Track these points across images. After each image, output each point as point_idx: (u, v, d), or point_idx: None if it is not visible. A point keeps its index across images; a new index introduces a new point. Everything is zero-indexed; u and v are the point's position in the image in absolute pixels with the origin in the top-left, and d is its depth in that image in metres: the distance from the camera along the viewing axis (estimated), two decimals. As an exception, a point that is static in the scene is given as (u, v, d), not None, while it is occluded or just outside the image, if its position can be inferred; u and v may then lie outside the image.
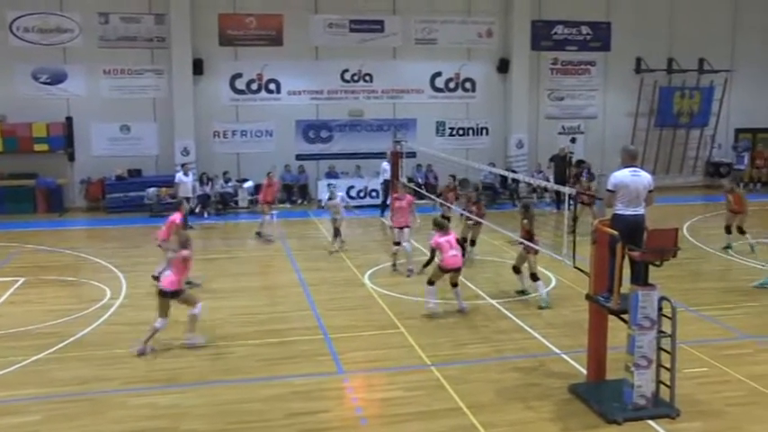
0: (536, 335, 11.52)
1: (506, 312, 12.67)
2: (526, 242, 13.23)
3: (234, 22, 24.78)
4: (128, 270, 15.85)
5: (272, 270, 16.15)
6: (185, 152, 24.09)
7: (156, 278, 12.68)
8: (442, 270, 12.62)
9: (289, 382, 9.74)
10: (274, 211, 19.94)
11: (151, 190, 23.35)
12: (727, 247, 17.22)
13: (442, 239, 12.64)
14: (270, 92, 25.41)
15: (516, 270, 13.74)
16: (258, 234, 19.21)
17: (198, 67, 24.37)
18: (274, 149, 25.28)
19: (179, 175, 21.60)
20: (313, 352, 10.89)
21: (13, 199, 23.26)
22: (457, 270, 12.65)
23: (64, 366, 10.32)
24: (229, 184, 23.68)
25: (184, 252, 11.08)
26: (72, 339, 11.43)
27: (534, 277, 13.25)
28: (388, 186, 22.02)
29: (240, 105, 25.25)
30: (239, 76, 25.11)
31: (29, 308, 13.15)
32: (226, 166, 24.03)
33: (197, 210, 22.71)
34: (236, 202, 23.92)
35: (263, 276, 15.50)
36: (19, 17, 23.53)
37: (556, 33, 27.21)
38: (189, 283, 13.40)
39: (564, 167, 24.09)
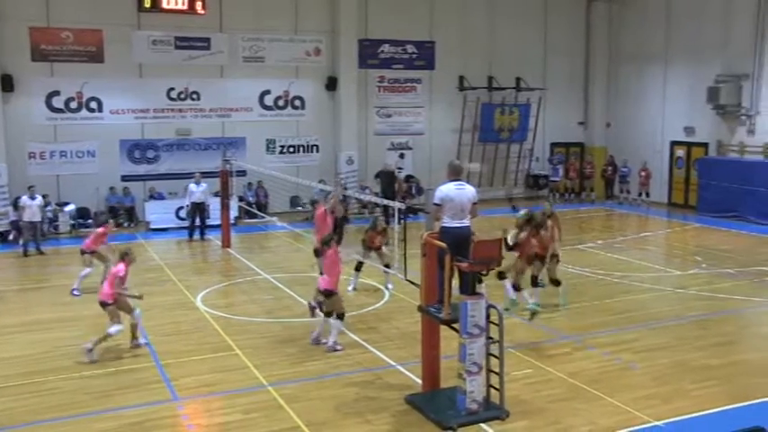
0: (371, 348, 11.69)
1: (342, 328, 12.73)
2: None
3: (48, 36, 23.40)
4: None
5: (94, 298, 15.32)
6: (-6, 174, 22.41)
7: None
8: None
9: (121, 413, 9.30)
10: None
11: (-46, 218, 21.53)
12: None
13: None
14: (91, 110, 24.20)
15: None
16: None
17: (7, 84, 22.80)
18: (98, 170, 24.08)
19: (24, 199, 19.97)
20: (145, 380, 10.47)
21: None
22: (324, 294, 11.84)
23: None
24: (48, 208, 22.26)
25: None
26: None
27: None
28: (197, 210, 21.54)
29: (58, 125, 23.85)
30: (56, 93, 23.73)
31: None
32: (44, 190, 22.38)
33: (11, 237, 21.25)
34: (57, 228, 22.54)
35: (87, 305, 14.62)
36: None
37: (382, 52, 27.91)
38: None
39: (391, 182, 24.67)
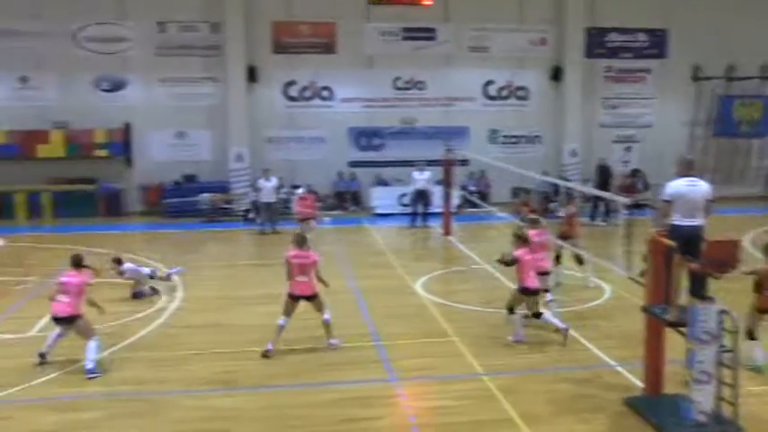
0: (590, 346, 11.38)
1: (560, 323, 12.52)
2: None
3: (288, 29, 25.14)
4: (183, 274, 16.12)
5: (325, 276, 16.22)
6: (239, 158, 24.52)
7: None
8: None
9: (342, 387, 9.81)
10: None
11: (205, 195, 23.77)
12: None
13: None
14: (323, 99, 25.73)
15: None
16: None
17: (252, 75, 24.78)
18: (327, 156, 25.59)
19: (261, 181, 21.76)
20: (366, 358, 10.94)
21: (76, 203, 24.01)
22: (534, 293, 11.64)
23: (123, 367, 10.58)
24: (283, 190, 23.92)
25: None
26: (130, 340, 11.73)
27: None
28: (420, 197, 21.98)
29: (294, 112, 25.60)
30: (293, 83, 25.49)
31: (89, 309, 13.43)
32: (279, 173, 24.18)
33: (250, 215, 23.07)
34: (289, 209, 24.13)
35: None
36: (83, 27, 24.28)
37: (610, 41, 26.95)
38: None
39: (606, 178, 23.68)
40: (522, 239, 11.77)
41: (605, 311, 13.35)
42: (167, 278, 14.92)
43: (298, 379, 10.15)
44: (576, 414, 8.97)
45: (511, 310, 11.64)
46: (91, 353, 10.27)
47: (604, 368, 10.50)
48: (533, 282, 11.51)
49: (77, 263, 10.66)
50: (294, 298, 11.04)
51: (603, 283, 14.94)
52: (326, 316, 11.27)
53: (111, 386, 9.89)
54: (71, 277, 10.46)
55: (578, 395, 9.55)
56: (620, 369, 10.39)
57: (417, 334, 12.12)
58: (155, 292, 14.39)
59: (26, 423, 8.83)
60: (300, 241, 11.26)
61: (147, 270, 14.45)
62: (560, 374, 10.23)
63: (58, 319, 10.44)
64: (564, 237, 14.62)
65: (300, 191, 20.92)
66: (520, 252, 11.53)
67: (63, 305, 10.33)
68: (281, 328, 10.96)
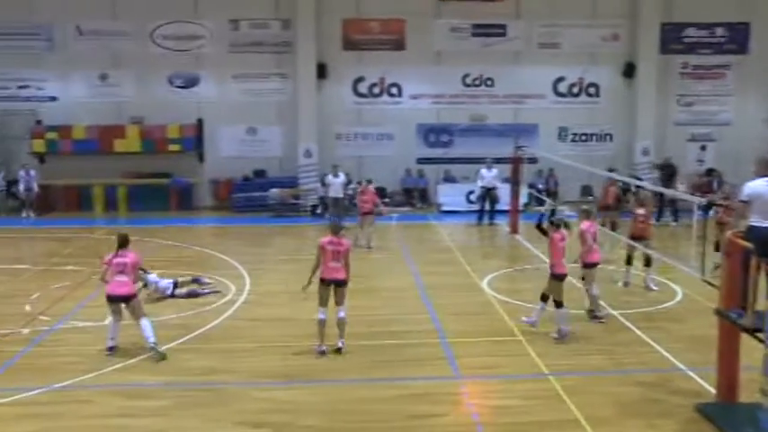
0: (659, 349, 11.09)
1: (628, 324, 12.27)
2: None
3: (357, 26, 25.26)
4: (251, 268, 16.38)
5: (390, 272, 16.31)
6: (308, 154, 24.76)
7: None
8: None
9: (406, 384, 9.80)
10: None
11: (274, 191, 24.08)
12: None
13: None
14: (391, 95, 25.77)
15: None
16: None
17: (322, 71, 24.98)
18: (395, 153, 25.61)
19: (329, 177, 21.93)
20: (430, 355, 10.91)
21: (149, 197, 24.64)
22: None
23: (191, 357, 10.81)
24: (350, 185, 24.03)
25: None
26: (199, 332, 11.96)
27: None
28: (487, 194, 21.79)
29: (362, 109, 25.72)
30: (362, 79, 25.59)
31: (160, 300, 13.79)
32: (347, 169, 24.26)
33: (318, 211, 23.27)
34: (355, 205, 24.21)
35: (381, 278, 15.65)
36: (159, 26, 24.91)
37: (687, 36, 26.17)
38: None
39: (668, 176, 22.90)
40: (558, 226, 11.81)
41: (677, 314, 13.02)
42: (198, 282, 14.83)
43: (360, 374, 10.20)
44: (643, 418, 8.77)
45: (559, 304, 11.53)
46: (148, 330, 10.65)
47: (674, 372, 10.23)
48: (564, 268, 11.63)
49: (125, 242, 10.93)
50: (326, 283, 10.89)
51: (674, 284, 14.57)
52: (342, 313, 11.02)
53: (179, 375, 10.12)
54: (126, 257, 10.75)
55: (646, 399, 9.33)
56: (690, 374, 10.11)
57: (483, 332, 12.04)
58: (214, 291, 14.47)
59: (101, 407, 9.13)
60: (336, 229, 11.21)
61: (168, 282, 14.22)
62: (628, 377, 10.02)
63: (116, 299, 10.71)
64: (637, 237, 14.32)
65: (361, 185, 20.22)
66: (557, 235, 11.63)
67: (123, 285, 10.65)
68: (322, 322, 10.84)
